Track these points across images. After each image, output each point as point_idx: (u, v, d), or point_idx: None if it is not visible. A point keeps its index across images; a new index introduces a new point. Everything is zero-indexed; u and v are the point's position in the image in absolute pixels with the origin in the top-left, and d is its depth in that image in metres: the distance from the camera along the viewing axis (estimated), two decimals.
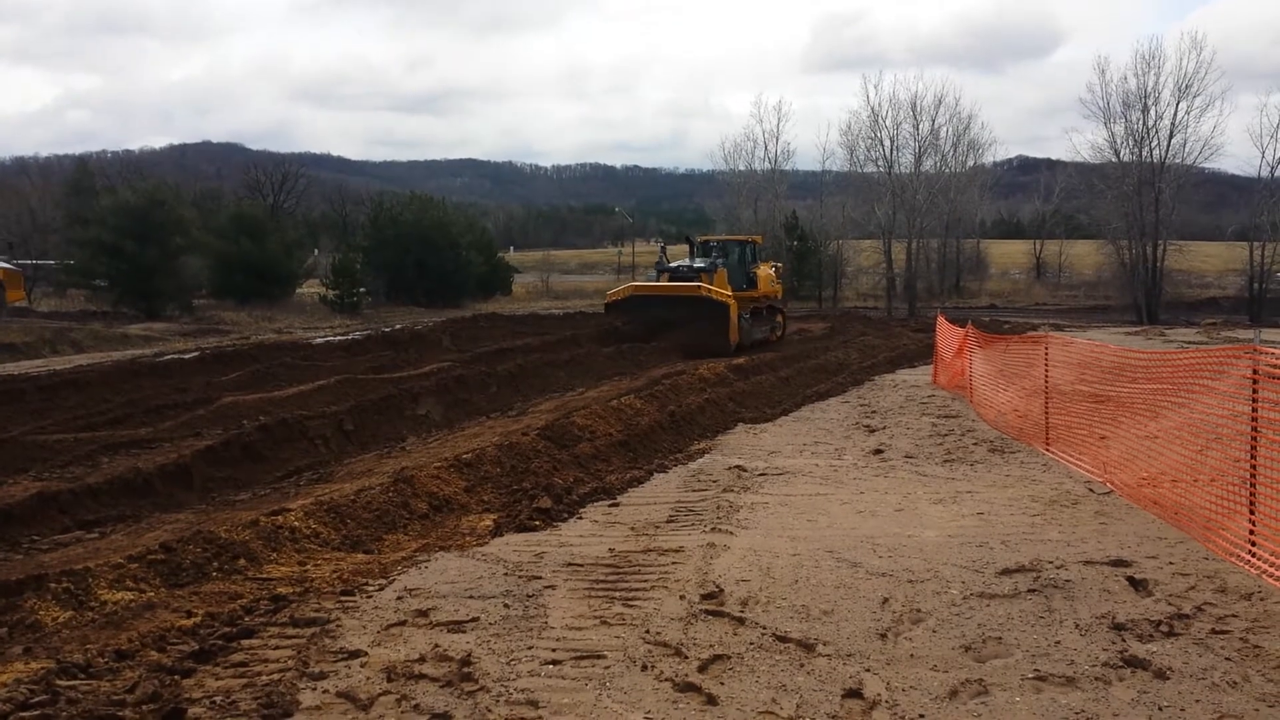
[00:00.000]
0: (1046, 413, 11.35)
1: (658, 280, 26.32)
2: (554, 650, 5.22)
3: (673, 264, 26.73)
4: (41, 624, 5.65)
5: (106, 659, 5.03)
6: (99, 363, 20.52)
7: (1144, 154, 43.75)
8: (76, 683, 4.75)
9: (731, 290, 24.96)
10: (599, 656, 5.13)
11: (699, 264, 25.83)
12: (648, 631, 5.48)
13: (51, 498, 8.70)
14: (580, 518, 8.32)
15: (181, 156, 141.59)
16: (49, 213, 47.64)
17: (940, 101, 52.46)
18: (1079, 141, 59.15)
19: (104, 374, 17.37)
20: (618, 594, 6.15)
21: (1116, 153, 44.73)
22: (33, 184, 57.17)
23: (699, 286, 23.96)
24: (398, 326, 30.06)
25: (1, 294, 30.54)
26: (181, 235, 39.36)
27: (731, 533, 7.70)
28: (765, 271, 28.01)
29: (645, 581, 6.41)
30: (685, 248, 28.90)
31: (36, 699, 4.52)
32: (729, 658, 5.14)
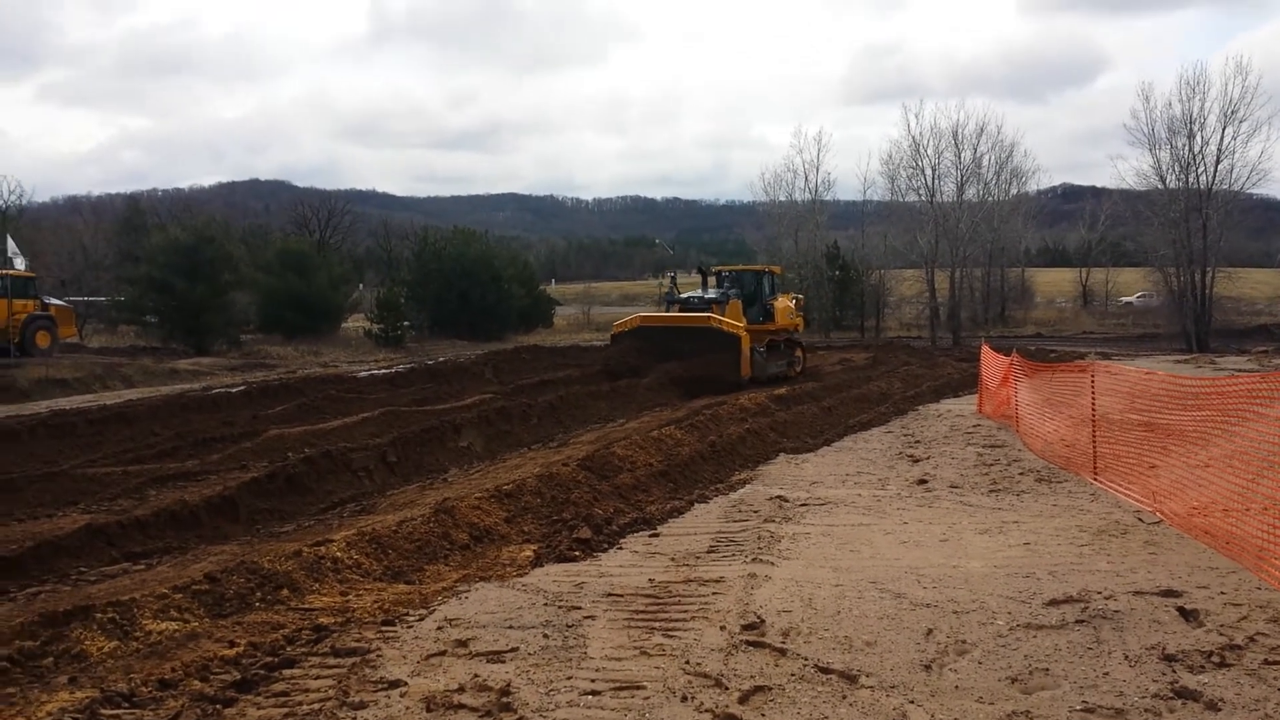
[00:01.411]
0: (1094, 442, 11.18)
1: (669, 312, 25.43)
2: (593, 681, 5.19)
3: (684, 295, 25.81)
4: (87, 653, 5.71)
5: (150, 688, 5.07)
6: (148, 397, 20.85)
7: (1190, 180, 43.15)
8: (120, 712, 4.79)
9: (746, 322, 24.08)
10: (638, 687, 5.09)
11: (711, 294, 24.99)
12: (688, 662, 5.43)
13: (99, 530, 8.81)
14: (620, 548, 8.30)
15: (230, 194, 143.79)
16: (101, 250, 48.62)
17: (982, 130, 52.16)
18: (1124, 168, 58.40)
19: (152, 408, 17.65)
20: (658, 624, 6.12)
21: (1163, 179, 44.16)
22: (85, 222, 58.33)
23: (709, 317, 23.17)
24: (441, 359, 30.29)
25: (54, 330, 31.14)
26: (230, 271, 39.99)
27: (773, 563, 7.64)
28: (784, 303, 26.98)
29: (685, 612, 6.37)
30: (698, 278, 27.82)
31: None
32: (770, 689, 5.08)
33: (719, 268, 29.04)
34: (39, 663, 5.59)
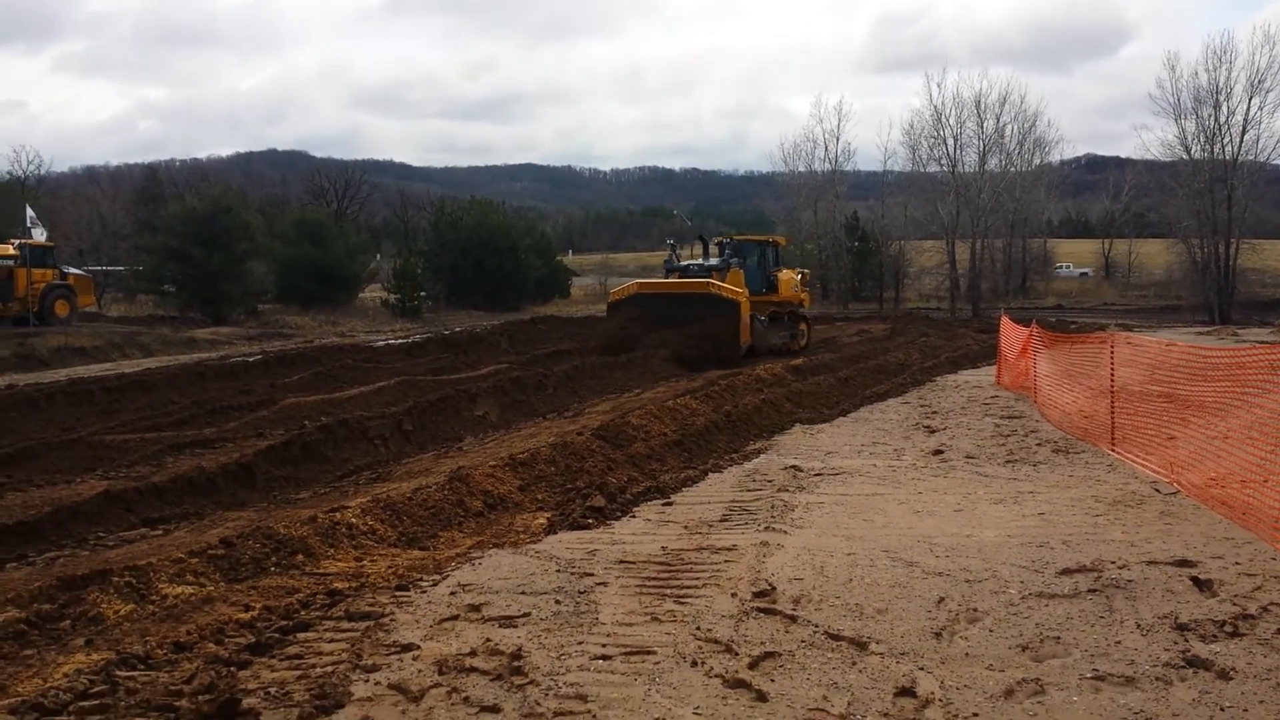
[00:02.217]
0: (1113, 413, 11.11)
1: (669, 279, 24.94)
2: (604, 646, 5.21)
3: (683, 263, 25.53)
4: (104, 616, 5.76)
5: (165, 651, 5.12)
6: (166, 365, 20.99)
7: (1216, 151, 42.76)
8: (135, 673, 4.83)
9: (748, 292, 23.72)
10: (649, 652, 5.11)
11: (711, 263, 24.75)
12: (698, 628, 5.44)
13: (118, 496, 8.89)
14: (633, 516, 8.31)
15: (248, 164, 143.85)
16: (119, 220, 48.82)
17: (1005, 99, 51.69)
18: (1149, 139, 58.05)
19: (170, 376, 17.78)
20: (669, 591, 6.13)
21: (1187, 150, 43.76)
22: (103, 192, 58.44)
23: (708, 283, 22.76)
24: (457, 329, 30.36)
25: (73, 299, 31.34)
26: (247, 241, 40.17)
27: (786, 532, 7.64)
28: (788, 275, 26.75)
29: (697, 579, 6.38)
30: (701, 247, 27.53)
31: (96, 689, 4.61)
32: (780, 655, 5.09)
33: (720, 238, 28.63)
34: (56, 625, 5.65)
